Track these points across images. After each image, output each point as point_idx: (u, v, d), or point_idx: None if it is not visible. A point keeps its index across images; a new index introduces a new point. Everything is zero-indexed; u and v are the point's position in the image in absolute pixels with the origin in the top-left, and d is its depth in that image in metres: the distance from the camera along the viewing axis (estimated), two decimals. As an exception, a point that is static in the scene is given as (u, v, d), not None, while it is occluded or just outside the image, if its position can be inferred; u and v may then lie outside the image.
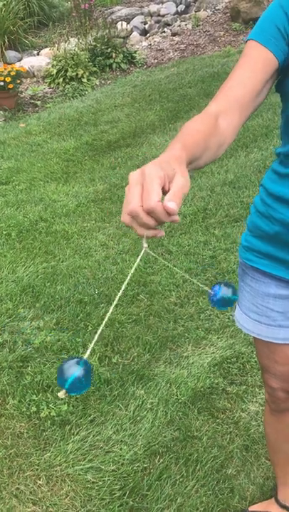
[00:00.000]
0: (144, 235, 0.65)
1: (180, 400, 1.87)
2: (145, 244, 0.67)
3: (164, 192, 0.65)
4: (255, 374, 1.96)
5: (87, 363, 0.63)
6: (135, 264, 0.71)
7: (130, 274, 0.70)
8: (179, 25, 6.90)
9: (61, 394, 0.62)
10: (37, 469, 1.69)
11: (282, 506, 1.50)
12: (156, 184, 0.63)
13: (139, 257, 0.69)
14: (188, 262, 2.61)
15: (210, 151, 0.82)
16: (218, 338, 2.14)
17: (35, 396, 1.91)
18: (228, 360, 2.02)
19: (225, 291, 0.88)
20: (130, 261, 2.67)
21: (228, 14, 6.75)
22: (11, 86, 4.84)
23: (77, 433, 1.79)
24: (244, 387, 1.91)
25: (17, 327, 2.27)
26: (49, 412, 1.85)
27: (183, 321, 2.24)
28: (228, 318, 2.23)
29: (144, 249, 0.67)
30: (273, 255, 1.08)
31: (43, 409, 1.86)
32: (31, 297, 2.45)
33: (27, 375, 2.01)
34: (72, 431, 1.79)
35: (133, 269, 0.72)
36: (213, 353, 2.06)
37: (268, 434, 1.41)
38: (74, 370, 0.62)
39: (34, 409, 1.87)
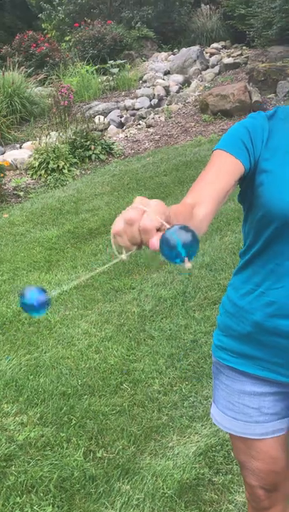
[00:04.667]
0: (129, 247, 0.66)
1: (166, 494, 1.85)
2: (124, 257, 0.67)
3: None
4: (241, 462, 1.95)
5: (47, 297, 0.66)
6: (108, 265, 0.72)
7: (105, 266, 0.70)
8: (153, 118, 7.40)
9: None
10: None
11: None
12: (158, 213, 0.65)
13: (112, 262, 0.69)
14: (171, 347, 2.66)
15: None
16: (202, 425, 2.14)
17: (19, 498, 1.87)
18: (213, 449, 2.01)
19: None
20: (113, 348, 2.71)
21: (198, 107, 7.29)
22: (-6, 179, 5.07)
23: (63, 536, 1.73)
24: (230, 476, 1.90)
25: (1, 423, 2.25)
26: (33, 515, 1.80)
27: (167, 410, 2.25)
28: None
29: (121, 259, 0.67)
30: (247, 354, 1.12)
31: (27, 511, 1.82)
32: (14, 391, 2.44)
33: (11, 476, 1.97)
34: (58, 534, 1.74)
35: (106, 265, 0.71)
36: (198, 441, 2.06)
37: None
38: (37, 297, 0.65)
39: (18, 512, 1.82)
